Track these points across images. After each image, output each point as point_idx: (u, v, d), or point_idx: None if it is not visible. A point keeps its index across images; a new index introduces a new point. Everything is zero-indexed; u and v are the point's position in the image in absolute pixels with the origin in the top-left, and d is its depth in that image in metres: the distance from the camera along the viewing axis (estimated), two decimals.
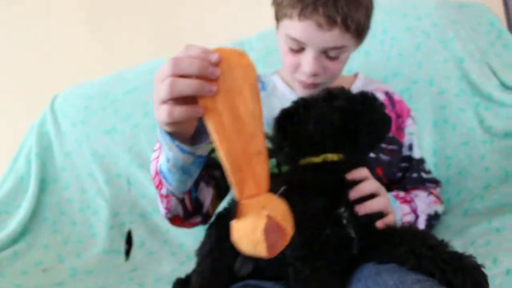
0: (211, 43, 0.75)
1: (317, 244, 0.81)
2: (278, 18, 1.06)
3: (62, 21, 2.08)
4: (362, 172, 0.86)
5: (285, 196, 0.73)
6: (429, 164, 1.32)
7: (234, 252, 0.92)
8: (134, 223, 1.50)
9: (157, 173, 0.86)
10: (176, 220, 0.98)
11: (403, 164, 1.18)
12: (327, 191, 0.83)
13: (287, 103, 0.98)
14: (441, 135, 1.39)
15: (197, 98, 0.63)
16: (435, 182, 1.22)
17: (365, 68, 1.52)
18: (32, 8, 2.09)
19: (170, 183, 0.84)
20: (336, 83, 1.17)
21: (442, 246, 0.77)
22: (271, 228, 0.63)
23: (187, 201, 0.94)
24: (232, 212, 0.71)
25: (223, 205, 1.42)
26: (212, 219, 1.01)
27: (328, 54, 1.02)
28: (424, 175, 1.18)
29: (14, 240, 1.42)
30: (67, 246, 1.46)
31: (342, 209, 0.82)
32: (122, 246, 1.45)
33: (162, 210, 0.95)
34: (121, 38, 2.05)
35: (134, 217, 1.51)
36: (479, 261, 0.71)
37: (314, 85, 1.08)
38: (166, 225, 1.49)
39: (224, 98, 0.64)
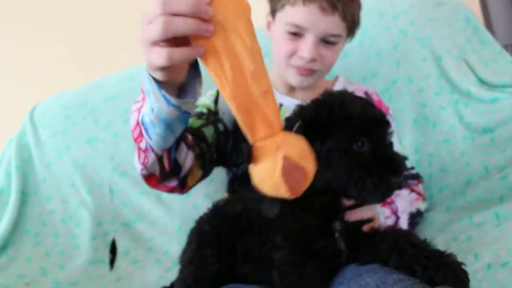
0: None
1: (307, 254, 0.80)
2: (277, 8, 1.13)
3: (38, 33, 2.06)
4: None
5: (302, 132, 0.72)
6: (411, 161, 1.33)
7: (215, 259, 0.92)
8: (118, 232, 1.48)
9: (137, 124, 0.82)
10: (151, 179, 0.93)
11: None
12: (325, 208, 0.83)
13: None
14: (422, 132, 1.40)
15: (190, 40, 0.61)
16: (417, 178, 1.23)
17: (344, 69, 1.52)
18: (8, 16, 2.07)
19: (151, 137, 0.81)
20: (318, 86, 1.19)
21: (424, 244, 0.77)
22: (289, 169, 0.63)
23: (165, 160, 0.90)
24: (248, 155, 0.68)
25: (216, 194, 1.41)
26: (193, 225, 1.00)
27: (326, 40, 1.10)
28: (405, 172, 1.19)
29: None
30: (50, 258, 1.44)
31: (337, 224, 0.82)
32: (106, 256, 1.43)
33: (138, 166, 0.90)
34: (97, 47, 2.04)
35: (117, 226, 1.49)
36: (461, 256, 0.73)
37: (310, 72, 1.13)
38: (150, 232, 1.49)
39: (220, 37, 0.61)
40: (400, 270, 0.76)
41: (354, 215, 0.84)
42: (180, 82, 0.73)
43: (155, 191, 1.11)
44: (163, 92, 0.71)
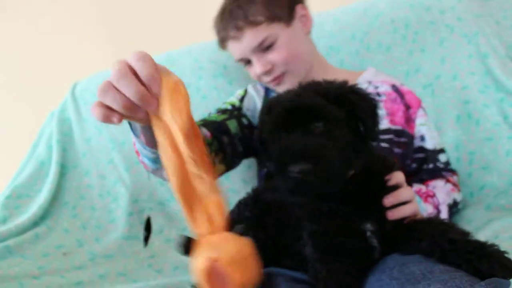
0: None
1: (331, 249, 0.81)
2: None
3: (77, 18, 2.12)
4: (399, 177, 0.86)
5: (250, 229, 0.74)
6: (451, 158, 1.31)
7: (261, 245, 0.91)
8: (153, 211, 1.51)
9: (134, 144, 0.88)
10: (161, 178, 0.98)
11: (417, 155, 1.18)
12: (356, 200, 0.82)
13: None
14: (464, 130, 1.38)
15: None
16: (452, 171, 1.22)
17: (386, 63, 1.52)
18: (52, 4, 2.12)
19: (143, 160, 0.88)
20: (343, 77, 1.20)
21: (463, 238, 0.77)
22: (212, 273, 0.61)
23: (166, 173, 0.93)
24: (183, 248, 0.72)
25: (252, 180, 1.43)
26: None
27: (263, 49, 1.17)
28: (439, 164, 1.18)
29: (35, 223, 1.43)
30: (87, 231, 1.47)
31: (368, 225, 0.82)
32: (140, 233, 1.46)
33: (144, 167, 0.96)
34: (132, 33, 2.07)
35: (153, 205, 1.52)
36: None
37: (278, 79, 1.21)
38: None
39: (163, 128, 0.64)
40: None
41: (396, 213, 0.83)
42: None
43: None
44: (138, 140, 0.79)
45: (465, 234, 0.78)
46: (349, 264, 0.81)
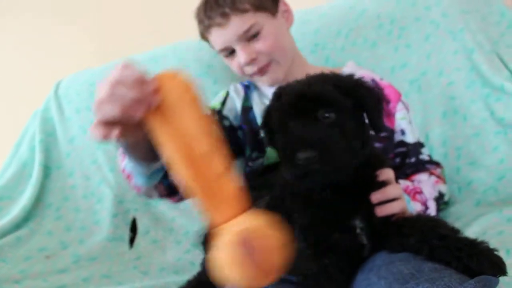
0: None
1: (323, 246, 0.81)
2: (210, 46, 1.24)
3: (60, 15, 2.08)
4: (389, 174, 0.86)
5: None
6: (438, 154, 1.31)
7: None
8: (139, 211, 1.49)
9: (123, 170, 0.94)
10: (152, 197, 1.03)
11: (399, 150, 1.18)
12: (345, 193, 0.82)
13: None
14: (451, 125, 1.38)
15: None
16: (435, 163, 1.22)
17: (372, 59, 1.51)
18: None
19: (136, 182, 0.92)
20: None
21: (453, 234, 0.76)
22: (248, 245, 0.58)
23: (160, 188, 0.97)
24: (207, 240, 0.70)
25: None
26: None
27: (248, 38, 1.14)
28: (423, 157, 1.18)
29: (17, 225, 1.41)
30: (71, 233, 1.45)
31: (357, 221, 0.82)
32: (126, 234, 1.44)
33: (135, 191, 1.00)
34: (115, 29, 2.05)
35: (138, 205, 1.50)
36: None
37: (263, 69, 1.18)
38: (172, 213, 1.49)
39: (167, 123, 0.64)
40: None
41: (384, 210, 0.83)
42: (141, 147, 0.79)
43: None
44: (132, 158, 0.82)
45: (455, 231, 0.77)
46: (340, 261, 0.80)
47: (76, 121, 1.65)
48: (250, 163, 1.23)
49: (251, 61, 1.16)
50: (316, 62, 1.45)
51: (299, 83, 0.82)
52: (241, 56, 1.15)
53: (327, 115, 0.76)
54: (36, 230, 1.43)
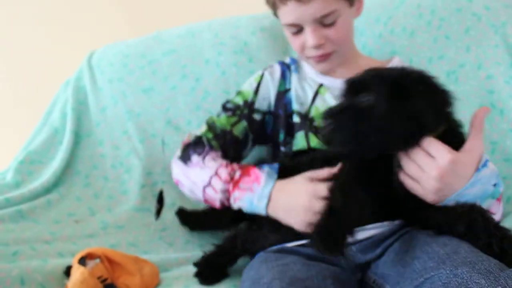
0: None
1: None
2: (275, 14, 1.19)
3: None
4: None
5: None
6: None
7: None
8: (166, 184, 1.49)
9: (206, 201, 1.13)
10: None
11: None
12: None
13: (315, 86, 1.22)
14: (487, 119, 1.33)
15: None
16: None
17: (409, 49, 1.49)
18: None
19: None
20: (361, 64, 1.19)
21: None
22: None
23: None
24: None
25: None
26: None
27: (323, 22, 1.11)
28: None
29: (48, 189, 1.42)
30: (99, 200, 1.46)
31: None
32: (153, 206, 1.45)
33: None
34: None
35: (166, 178, 1.50)
36: None
37: (325, 57, 1.16)
38: None
39: None
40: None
41: None
42: None
43: None
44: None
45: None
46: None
47: (108, 91, 1.66)
48: (282, 148, 1.23)
49: (319, 46, 1.14)
50: None
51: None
52: (310, 38, 1.12)
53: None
54: (66, 195, 1.44)
